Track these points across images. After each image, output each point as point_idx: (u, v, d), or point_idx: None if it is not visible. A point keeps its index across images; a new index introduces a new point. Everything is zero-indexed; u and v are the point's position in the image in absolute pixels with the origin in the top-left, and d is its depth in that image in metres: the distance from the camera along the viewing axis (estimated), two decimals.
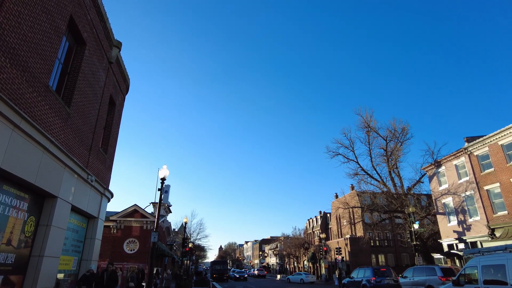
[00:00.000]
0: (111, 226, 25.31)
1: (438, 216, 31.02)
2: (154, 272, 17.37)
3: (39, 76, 7.77)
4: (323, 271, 50.88)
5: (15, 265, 7.51)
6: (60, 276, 9.93)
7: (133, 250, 25.40)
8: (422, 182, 33.45)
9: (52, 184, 8.66)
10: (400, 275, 20.74)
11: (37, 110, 7.74)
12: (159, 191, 14.23)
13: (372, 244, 49.83)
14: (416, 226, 25.49)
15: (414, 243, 25.08)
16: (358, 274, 21.48)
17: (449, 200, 29.35)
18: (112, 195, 14.01)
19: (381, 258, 50.01)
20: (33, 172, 7.61)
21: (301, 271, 63.87)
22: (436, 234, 32.32)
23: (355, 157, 35.83)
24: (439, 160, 30.36)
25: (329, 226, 67.39)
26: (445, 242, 29.59)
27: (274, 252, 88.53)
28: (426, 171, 32.54)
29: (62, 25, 8.82)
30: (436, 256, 29.78)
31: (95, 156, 12.12)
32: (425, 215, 32.65)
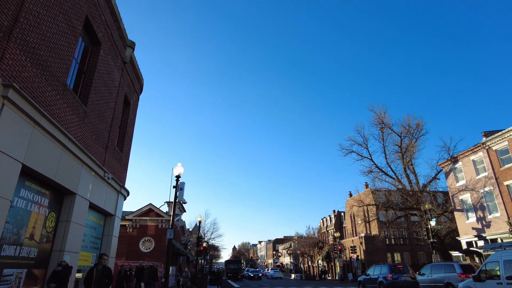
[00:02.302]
0: (127, 225, 25.72)
1: (455, 213, 30.36)
2: (171, 269, 17.52)
3: (58, 75, 7.96)
4: (338, 270, 50.47)
5: (38, 259, 7.72)
6: (79, 275, 10.12)
7: (149, 249, 25.74)
8: (438, 179, 32.84)
9: (71, 181, 8.86)
10: (418, 272, 20.39)
11: (56, 108, 7.93)
12: (174, 188, 14.42)
13: (387, 243, 49.16)
14: (432, 223, 25.01)
15: (431, 240, 24.62)
16: (374, 271, 21.21)
17: (467, 197, 28.69)
18: (128, 193, 14.23)
19: (397, 256, 49.27)
20: (53, 169, 7.80)
21: (315, 270, 63.60)
22: (454, 232, 31.64)
23: (369, 154, 35.47)
24: (455, 156, 29.71)
25: (344, 225, 66.81)
26: (463, 240, 28.94)
27: (288, 252, 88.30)
28: (442, 167, 31.90)
29: (78, 26, 9.01)
30: (455, 254, 29.15)
31: (111, 154, 12.33)
32: (442, 212, 32.01)
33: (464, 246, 28.63)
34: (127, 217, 25.70)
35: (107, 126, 11.74)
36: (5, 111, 5.91)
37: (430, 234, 24.51)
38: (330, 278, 54.97)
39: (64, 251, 8.46)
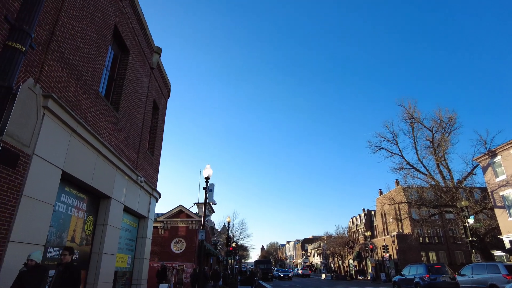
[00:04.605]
0: (158, 227, 26.36)
1: (496, 210, 28.75)
2: (208, 270, 17.85)
3: (91, 84, 8.26)
4: (370, 269, 49.24)
5: (79, 260, 8.05)
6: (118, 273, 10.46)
7: (180, 249, 26.24)
8: (475, 174, 31.15)
9: (106, 185, 9.17)
10: (457, 273, 19.46)
11: (90, 116, 8.23)
12: (204, 190, 14.61)
13: (421, 241, 47.37)
14: (471, 221, 23.77)
15: (470, 239, 23.41)
16: (410, 271, 20.46)
17: (508, 192, 27.09)
18: (160, 196, 14.56)
19: (432, 255, 47.34)
20: (89, 174, 8.10)
21: (346, 270, 62.47)
22: (495, 230, 29.95)
23: (399, 150, 34.29)
24: (493, 150, 28.13)
25: (374, 224, 65.13)
26: (506, 238, 27.33)
27: (318, 252, 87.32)
28: (479, 162, 30.31)
29: (108, 35, 9.32)
30: (497, 253, 27.62)
31: (143, 158, 12.66)
32: (481, 209, 30.37)
33: (508, 245, 27.03)
34: (158, 219, 26.34)
35: (138, 131, 12.07)
36: (46, 121, 6.19)
37: (469, 233, 23.31)
38: (362, 278, 53.74)
39: (102, 253, 8.77)
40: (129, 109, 11.11)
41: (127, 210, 11.32)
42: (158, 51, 13.92)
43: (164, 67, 15.46)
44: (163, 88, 15.93)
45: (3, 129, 2.59)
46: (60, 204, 7.27)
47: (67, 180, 7.50)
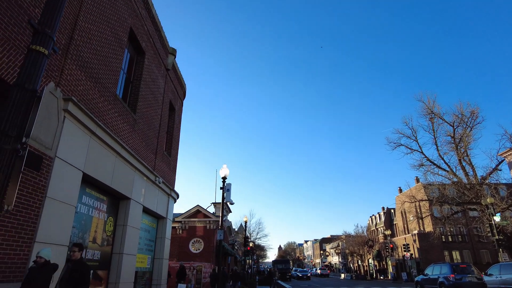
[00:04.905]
0: (176, 227, 26.63)
1: None
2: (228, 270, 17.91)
3: (108, 86, 8.37)
4: (391, 269, 48.29)
5: (101, 261, 8.17)
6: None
7: (198, 249, 26.43)
8: (500, 170, 29.99)
9: (125, 187, 9.28)
10: (484, 272, 18.78)
11: (108, 118, 8.34)
12: (221, 190, 14.64)
13: (443, 240, 46.08)
14: (497, 219, 22.91)
15: (496, 237, 22.56)
16: (433, 271, 19.89)
17: None
18: (177, 196, 14.68)
19: (456, 254, 45.99)
20: (108, 176, 8.21)
21: (366, 269, 61.51)
22: None
23: (419, 147, 33.43)
24: None
25: (394, 222, 63.87)
26: None
27: (336, 251, 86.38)
28: (504, 157, 29.23)
29: (124, 37, 9.43)
30: None
31: (161, 159, 12.78)
32: (507, 206, 29.23)
33: None
34: (176, 219, 26.60)
35: (155, 132, 12.18)
36: (66, 124, 6.30)
37: (495, 231, 22.47)
38: (382, 277, 52.77)
39: (123, 254, 8.87)
40: (146, 110, 11.22)
41: (146, 210, 11.44)
42: (173, 52, 14.02)
43: (179, 67, 15.57)
44: (179, 89, 16.05)
45: (29, 132, 2.60)
46: (82, 205, 7.40)
47: (88, 181, 7.62)
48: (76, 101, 6.44)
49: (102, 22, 8.06)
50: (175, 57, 14.24)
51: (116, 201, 9.36)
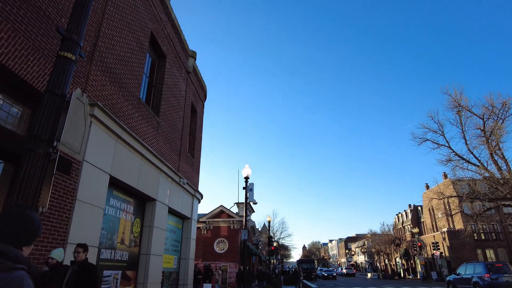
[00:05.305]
0: (201, 227, 26.95)
1: None
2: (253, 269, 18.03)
3: (132, 90, 8.56)
4: (419, 268, 46.83)
5: (129, 261, 8.37)
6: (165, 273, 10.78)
7: (223, 249, 26.63)
8: None
9: (151, 188, 9.46)
10: None
11: (133, 121, 8.53)
12: (244, 190, 14.68)
13: (476, 238, 44.16)
14: None
15: None
16: (466, 271, 19.10)
17: None
18: (201, 197, 14.84)
19: (490, 253, 43.98)
20: (134, 178, 8.40)
21: (393, 268, 60.00)
22: None
23: (446, 141, 32.09)
24: None
25: (421, 220, 61.89)
26: None
27: (362, 250, 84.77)
28: None
29: (145, 42, 9.62)
30: None
31: (184, 161, 12.96)
32: None
33: None
34: (201, 220, 26.93)
35: (178, 134, 12.37)
36: (93, 128, 6.49)
37: None
38: (411, 277, 51.27)
39: (150, 254, 9.05)
40: (169, 113, 11.41)
41: (171, 211, 11.62)
42: (193, 55, 14.18)
43: (199, 70, 15.74)
44: (200, 91, 16.22)
45: (59, 136, 2.68)
46: (109, 207, 7.60)
47: (115, 184, 7.82)
48: (101, 106, 6.62)
49: (124, 28, 8.25)
50: (195, 60, 14.40)
51: (142, 202, 9.56)
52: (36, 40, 5.21)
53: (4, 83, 4.90)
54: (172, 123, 11.75)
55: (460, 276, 19.73)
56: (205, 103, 17.45)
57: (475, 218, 34.87)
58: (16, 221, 1.61)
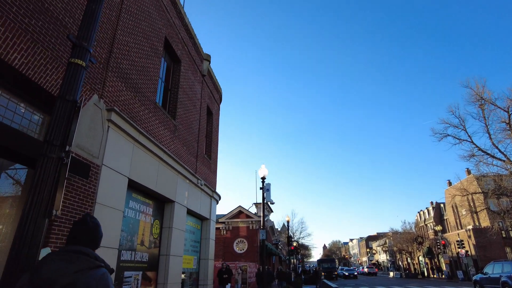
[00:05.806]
0: (220, 228, 27.16)
1: None
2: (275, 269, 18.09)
3: (148, 95, 8.72)
4: (444, 267, 45.53)
5: (149, 263, 8.53)
6: (183, 275, 10.93)
7: (243, 250, 26.74)
8: None
9: (169, 190, 9.61)
10: None
11: (150, 125, 8.69)
12: (261, 190, 14.69)
13: (504, 236, 42.49)
14: None
15: None
16: (494, 270, 18.40)
17: None
18: (219, 197, 14.95)
19: None
20: (153, 180, 8.55)
21: (416, 267, 58.60)
22: None
23: (468, 136, 31.08)
24: None
25: (445, 217, 60.14)
26: None
27: (383, 249, 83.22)
28: None
29: (159, 47, 9.77)
30: None
31: (201, 162, 13.09)
32: None
33: None
34: (220, 220, 27.14)
35: (195, 136, 12.51)
36: (110, 133, 6.65)
37: None
38: (435, 276, 49.90)
39: (170, 255, 9.20)
40: (185, 116, 11.55)
41: (190, 212, 11.76)
42: (208, 58, 14.31)
43: (214, 72, 15.86)
44: (215, 94, 16.35)
45: (71, 141, 2.77)
46: (129, 209, 7.77)
47: (133, 187, 7.98)
48: (118, 111, 6.78)
49: (139, 34, 8.42)
50: (209, 63, 14.52)
51: (161, 204, 9.73)
52: (54, 50, 5.38)
53: (24, 92, 5.10)
54: (189, 126, 11.90)
55: (487, 276, 19.03)
56: (222, 105, 17.56)
57: (502, 215, 33.65)
58: (94, 229, 2.13)
